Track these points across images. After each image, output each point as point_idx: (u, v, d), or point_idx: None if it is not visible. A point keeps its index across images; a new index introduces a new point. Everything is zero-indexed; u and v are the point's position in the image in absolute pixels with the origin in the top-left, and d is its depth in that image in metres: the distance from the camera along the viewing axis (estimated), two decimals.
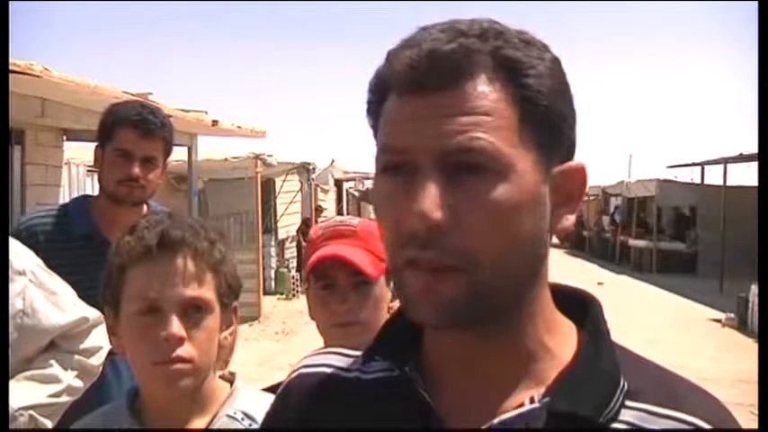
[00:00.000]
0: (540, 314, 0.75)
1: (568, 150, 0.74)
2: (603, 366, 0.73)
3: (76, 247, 2.17)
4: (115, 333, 1.23)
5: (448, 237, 0.67)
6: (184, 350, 1.14)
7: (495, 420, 0.71)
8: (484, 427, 0.71)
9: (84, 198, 2.53)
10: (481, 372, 0.74)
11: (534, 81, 0.69)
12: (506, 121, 0.68)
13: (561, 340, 0.75)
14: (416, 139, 0.68)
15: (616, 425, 0.71)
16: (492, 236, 0.67)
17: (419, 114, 0.68)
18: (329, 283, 1.43)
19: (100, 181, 2.34)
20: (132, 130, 2.25)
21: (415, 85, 0.68)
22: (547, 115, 0.70)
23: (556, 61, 0.73)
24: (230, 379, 1.30)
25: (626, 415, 0.71)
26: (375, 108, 0.74)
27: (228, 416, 1.22)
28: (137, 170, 2.24)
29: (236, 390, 1.27)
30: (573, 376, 0.72)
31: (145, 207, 2.42)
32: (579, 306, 0.79)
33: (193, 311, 1.16)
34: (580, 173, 0.74)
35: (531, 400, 0.71)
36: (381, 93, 0.73)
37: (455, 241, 0.67)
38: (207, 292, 1.18)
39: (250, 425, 1.21)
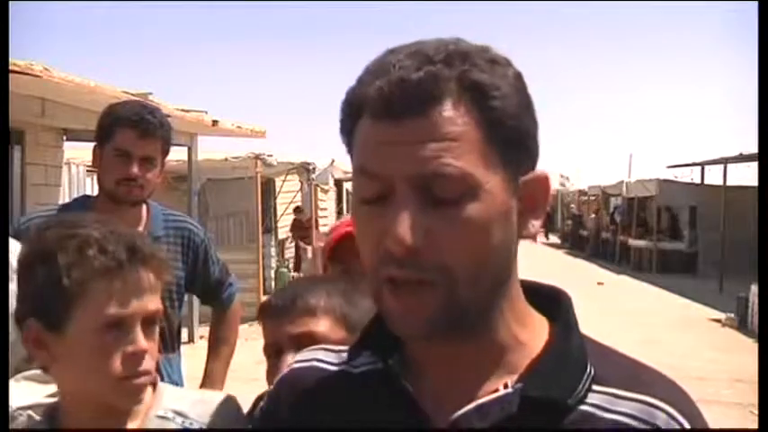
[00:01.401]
0: (511, 309, 0.80)
1: (533, 160, 0.79)
2: (572, 354, 0.79)
3: None
4: (45, 347, 1.17)
5: (423, 256, 0.72)
6: (147, 363, 1.15)
7: (472, 405, 0.76)
8: (461, 411, 0.76)
9: (85, 198, 2.53)
10: (459, 363, 0.80)
11: (499, 102, 0.74)
12: (474, 144, 0.73)
13: (533, 332, 0.81)
14: (390, 165, 0.73)
15: (584, 407, 0.76)
16: (465, 252, 0.73)
17: (392, 140, 0.73)
18: (346, 268, 1.45)
19: (99, 181, 2.34)
20: (131, 131, 2.25)
21: (387, 112, 0.73)
22: (512, 133, 0.75)
23: (518, 77, 0.77)
24: (153, 382, 1.28)
25: (593, 398, 0.77)
26: (348, 127, 0.78)
27: (159, 416, 1.21)
28: (135, 170, 2.25)
29: (161, 391, 1.26)
30: (543, 364, 0.78)
31: (144, 206, 2.43)
32: (551, 301, 0.84)
33: (150, 324, 1.16)
34: (543, 181, 0.79)
35: (506, 387, 0.77)
36: (354, 114, 0.77)
37: (430, 259, 0.72)
38: (159, 303, 1.18)
39: (183, 422, 1.21)
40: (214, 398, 1.29)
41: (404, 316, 0.74)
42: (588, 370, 0.78)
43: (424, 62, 0.73)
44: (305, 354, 0.94)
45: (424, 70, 0.72)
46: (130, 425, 1.20)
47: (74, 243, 1.14)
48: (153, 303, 1.16)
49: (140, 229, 2.30)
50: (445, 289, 0.73)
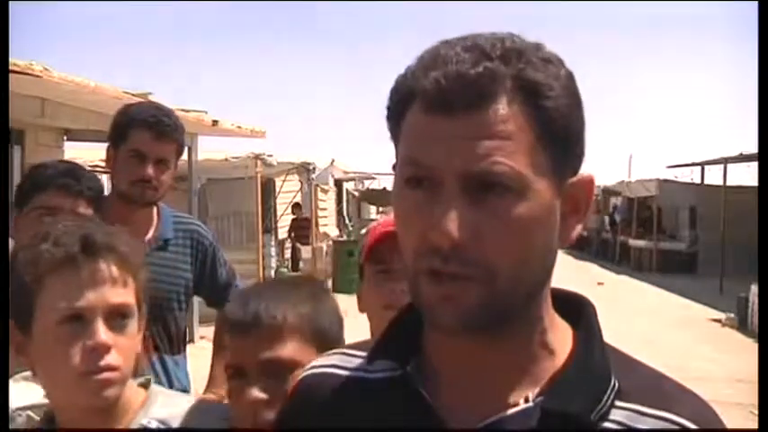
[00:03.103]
0: (544, 317, 0.79)
1: (579, 162, 0.78)
2: (595, 367, 0.77)
3: None
4: (23, 352, 1.14)
5: (468, 251, 0.71)
6: (112, 358, 1.10)
7: (491, 419, 0.75)
8: (480, 425, 0.75)
9: None
10: (481, 372, 0.78)
11: (552, 103, 0.73)
12: (525, 143, 0.72)
13: (558, 341, 0.79)
14: (442, 159, 0.72)
15: (607, 424, 0.74)
16: (509, 249, 0.72)
17: (445, 134, 0.72)
18: (385, 268, 1.44)
19: (112, 181, 2.35)
20: (147, 132, 2.25)
21: (443, 105, 0.72)
22: (562, 134, 0.74)
23: (570, 78, 0.77)
24: (146, 384, 1.25)
25: (616, 414, 0.75)
26: (396, 115, 0.77)
27: (141, 425, 1.18)
28: (150, 171, 2.25)
29: (152, 396, 1.22)
30: (566, 377, 0.76)
31: (155, 208, 2.43)
32: (574, 308, 0.83)
33: (118, 317, 1.12)
34: (588, 184, 0.79)
35: (526, 400, 0.75)
36: (404, 102, 0.76)
37: (475, 254, 0.72)
38: (130, 296, 1.14)
39: None
40: (209, 408, 1.26)
41: (441, 305, 0.73)
42: (612, 383, 0.76)
43: (481, 58, 0.72)
44: (321, 360, 0.93)
45: (482, 66, 0.72)
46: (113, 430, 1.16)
47: (33, 241, 1.13)
48: (116, 296, 1.11)
49: (151, 230, 2.31)
50: (485, 285, 0.72)
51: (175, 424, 1.19)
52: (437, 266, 0.72)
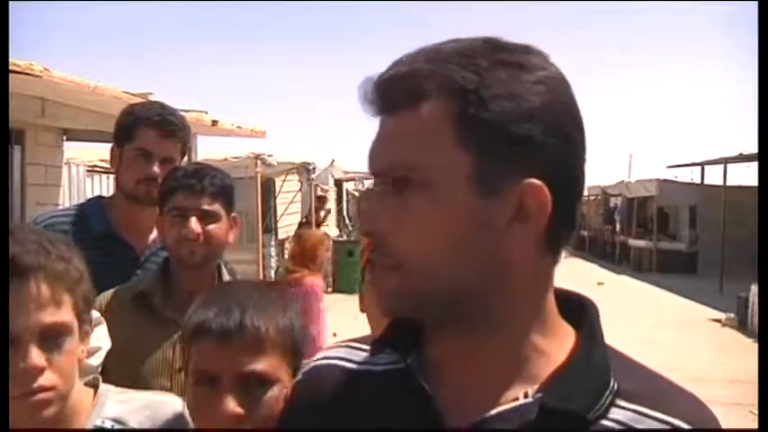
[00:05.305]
0: (538, 321, 0.80)
1: (537, 168, 0.75)
2: (595, 367, 0.78)
3: (94, 246, 2.16)
4: None
5: (387, 241, 0.78)
6: (46, 379, 1.09)
7: (492, 412, 0.76)
8: (479, 418, 0.76)
9: (99, 198, 2.54)
10: (479, 369, 0.80)
11: (487, 108, 0.73)
12: (444, 145, 0.75)
13: (558, 343, 0.80)
14: (376, 157, 0.80)
15: (606, 422, 0.76)
16: (418, 242, 0.76)
17: (380, 134, 0.80)
18: None
19: (117, 180, 2.35)
20: (153, 131, 2.25)
21: (377, 105, 0.80)
22: (501, 138, 0.73)
23: (539, 82, 0.75)
24: (95, 384, 1.25)
25: (616, 414, 0.76)
26: None
27: (96, 426, 1.18)
28: (156, 169, 2.24)
29: (102, 396, 1.22)
30: (565, 376, 0.77)
31: (158, 208, 2.43)
32: (577, 310, 0.84)
33: (53, 337, 1.10)
34: (536, 190, 0.75)
35: (525, 396, 0.77)
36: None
37: (391, 245, 0.78)
38: (66, 314, 1.12)
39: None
40: (160, 401, 1.26)
41: (378, 295, 0.82)
42: (611, 384, 0.77)
43: (414, 61, 0.77)
44: (328, 351, 0.96)
45: (409, 67, 0.77)
46: None
47: None
48: (49, 316, 1.10)
49: (155, 230, 2.31)
50: (398, 274, 0.78)
51: (132, 421, 1.20)
52: (371, 257, 0.81)
